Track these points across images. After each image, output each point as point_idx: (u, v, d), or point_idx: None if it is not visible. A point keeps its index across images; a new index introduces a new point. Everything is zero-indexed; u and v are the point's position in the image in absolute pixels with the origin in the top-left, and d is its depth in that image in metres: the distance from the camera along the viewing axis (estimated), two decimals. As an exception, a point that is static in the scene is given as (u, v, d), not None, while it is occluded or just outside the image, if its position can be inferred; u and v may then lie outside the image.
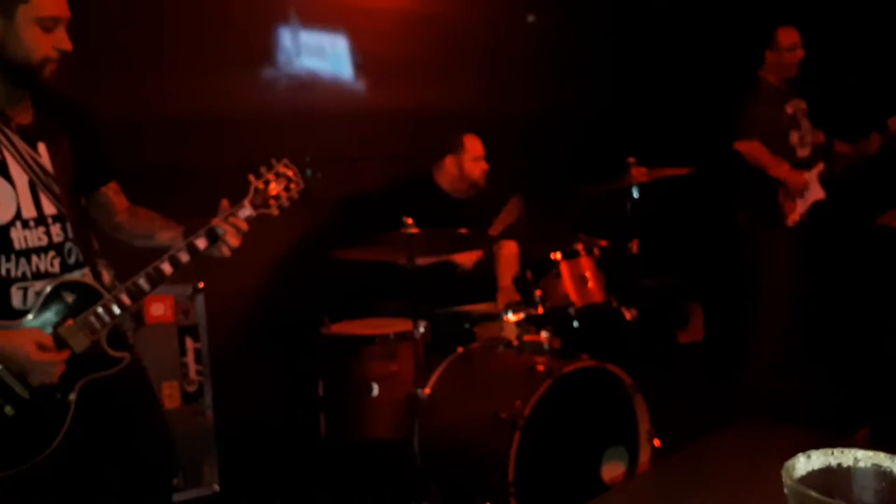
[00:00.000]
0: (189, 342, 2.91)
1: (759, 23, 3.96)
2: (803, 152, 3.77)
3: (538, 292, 2.99)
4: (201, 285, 2.91)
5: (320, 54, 3.69)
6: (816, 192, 3.70)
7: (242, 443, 3.20)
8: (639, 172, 3.33)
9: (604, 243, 3.21)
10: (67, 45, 1.71)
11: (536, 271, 3.08)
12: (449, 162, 3.43)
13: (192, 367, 2.91)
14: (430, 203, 3.33)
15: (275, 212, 1.91)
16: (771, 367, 3.75)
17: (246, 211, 1.87)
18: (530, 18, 4.53)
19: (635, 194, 3.42)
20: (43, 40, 1.67)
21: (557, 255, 3.07)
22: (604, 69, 4.72)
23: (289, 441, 3.34)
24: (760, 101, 3.76)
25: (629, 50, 4.77)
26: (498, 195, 3.60)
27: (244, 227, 1.86)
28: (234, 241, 1.85)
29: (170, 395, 2.85)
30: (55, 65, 1.71)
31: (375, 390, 2.82)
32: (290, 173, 1.93)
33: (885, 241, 3.83)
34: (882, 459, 0.84)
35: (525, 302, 3.03)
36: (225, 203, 1.88)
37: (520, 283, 3.13)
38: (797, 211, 3.69)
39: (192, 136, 3.20)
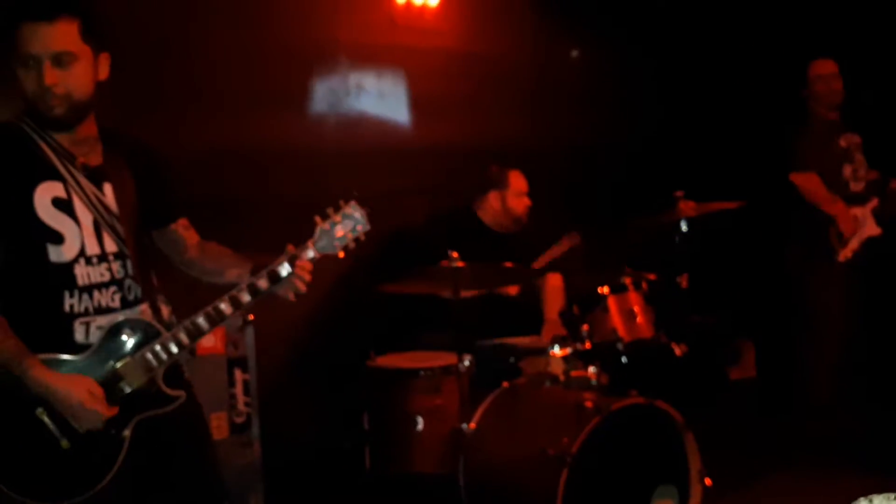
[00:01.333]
0: (238, 374, 2.95)
1: (804, 53, 3.92)
2: (857, 187, 3.69)
3: (585, 327, 2.96)
4: (251, 318, 2.96)
5: (368, 92, 3.78)
6: (870, 229, 3.61)
7: (288, 475, 3.22)
8: (687, 206, 3.30)
9: (652, 277, 3.17)
10: (104, 75, 1.76)
11: (584, 306, 3.05)
12: (493, 197, 3.44)
13: (241, 399, 2.95)
14: (473, 237, 3.34)
15: (340, 254, 1.87)
16: (824, 407, 3.62)
17: (310, 253, 1.84)
18: (574, 53, 4.56)
19: (684, 228, 3.38)
20: (30, 77, 1.68)
21: (605, 290, 3.04)
22: (650, 102, 4.70)
23: (334, 474, 3.34)
24: (813, 133, 3.70)
25: (675, 82, 4.75)
26: (542, 230, 3.59)
27: (308, 268, 1.84)
28: (301, 285, 1.84)
29: (218, 427, 2.88)
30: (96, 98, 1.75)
31: (420, 424, 2.80)
32: (357, 215, 1.88)
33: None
34: None
35: (572, 336, 3.00)
36: (290, 248, 1.85)
37: (566, 317, 3.10)
38: (849, 247, 3.60)
39: (244, 171, 3.29)
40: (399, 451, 2.87)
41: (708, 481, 2.59)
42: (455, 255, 2.72)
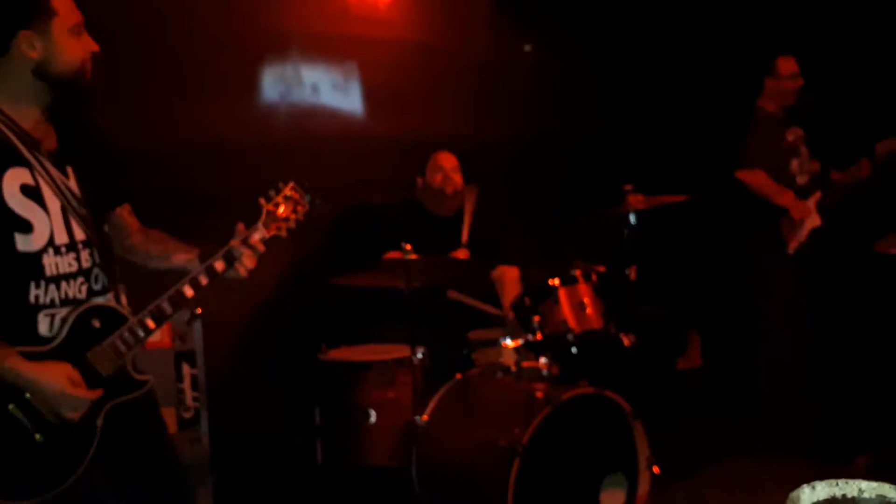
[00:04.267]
0: (186, 368, 2.90)
1: (755, 52, 4.01)
2: (802, 180, 3.80)
3: (537, 318, 2.99)
4: (199, 311, 2.90)
5: (320, 83, 3.74)
6: (814, 220, 3.72)
7: (238, 470, 3.17)
8: (636, 200, 3.36)
9: (602, 269, 3.21)
10: (95, 46, 1.77)
11: (535, 297, 3.08)
12: (420, 179, 3.50)
13: (189, 394, 2.89)
14: (418, 223, 3.37)
15: (283, 234, 1.95)
16: (772, 395, 3.74)
17: (260, 233, 1.91)
18: (527, 48, 4.58)
19: (632, 221, 3.44)
20: (78, 46, 1.72)
21: (556, 282, 3.07)
22: (601, 97, 4.76)
23: (285, 469, 3.31)
24: (760, 130, 3.79)
25: (627, 78, 4.82)
26: (491, 219, 3.61)
27: (261, 248, 1.91)
28: (250, 263, 1.89)
29: (165, 422, 2.82)
30: (91, 66, 1.76)
31: (373, 417, 2.80)
32: (296, 196, 1.97)
33: (884, 267, 3.84)
34: (887, 490, 0.84)
35: (524, 328, 3.03)
36: (240, 226, 1.91)
37: (518, 309, 3.13)
38: (797, 239, 3.71)
39: (193, 163, 3.23)
40: (351, 445, 2.86)
41: (656, 469, 2.65)
42: (408, 246, 2.72)
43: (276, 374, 3.49)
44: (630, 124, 4.75)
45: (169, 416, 2.84)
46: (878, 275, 4.01)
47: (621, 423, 2.65)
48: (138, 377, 1.82)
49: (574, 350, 3.07)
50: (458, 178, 3.47)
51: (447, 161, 3.48)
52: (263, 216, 1.91)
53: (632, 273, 3.40)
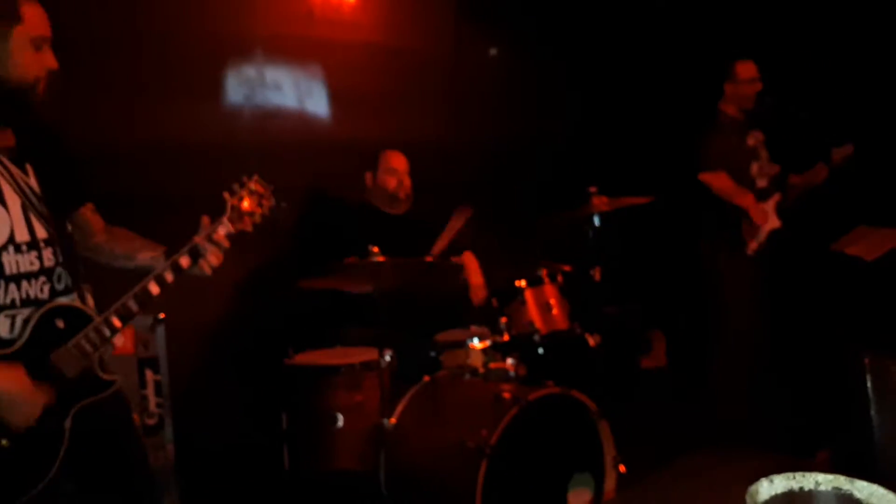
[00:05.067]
0: (149, 374, 2.85)
1: (718, 56, 4.08)
2: (762, 183, 3.88)
3: (503, 319, 3.01)
4: (162, 316, 2.87)
5: (285, 86, 3.71)
6: (773, 222, 3.80)
7: (204, 477, 3.13)
8: (600, 201, 3.39)
9: (567, 270, 3.25)
10: (55, 64, 1.73)
11: (502, 299, 3.10)
12: (368, 177, 3.50)
13: (153, 400, 2.85)
14: (371, 222, 3.39)
15: (248, 228, 1.94)
16: (735, 393, 3.81)
17: (225, 227, 1.89)
18: (492, 51, 4.61)
19: (597, 222, 3.47)
20: (36, 59, 1.69)
21: (522, 283, 3.09)
22: (565, 100, 4.80)
23: (251, 474, 3.28)
24: (722, 133, 3.86)
25: (592, 81, 4.87)
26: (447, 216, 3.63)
27: (226, 244, 1.89)
28: (215, 259, 1.87)
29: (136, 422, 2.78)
30: (45, 84, 1.73)
31: (340, 421, 2.78)
32: (261, 189, 1.97)
33: (839, 266, 3.94)
34: (842, 483, 0.86)
35: (491, 329, 3.04)
36: (205, 220, 1.90)
37: (486, 309, 3.14)
38: (756, 240, 3.78)
39: (157, 164, 3.19)
40: (318, 449, 2.83)
41: (622, 468, 2.68)
42: (375, 249, 2.72)
43: (241, 379, 3.45)
44: (595, 127, 4.81)
45: (132, 424, 2.80)
46: (833, 273, 4.12)
47: (587, 423, 2.68)
48: (105, 377, 1.79)
49: (541, 350, 3.10)
50: (408, 181, 3.48)
51: (400, 163, 3.48)
52: (228, 211, 1.90)
53: (597, 274, 3.44)
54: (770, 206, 3.80)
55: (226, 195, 1.92)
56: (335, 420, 2.78)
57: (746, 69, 3.86)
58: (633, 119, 4.82)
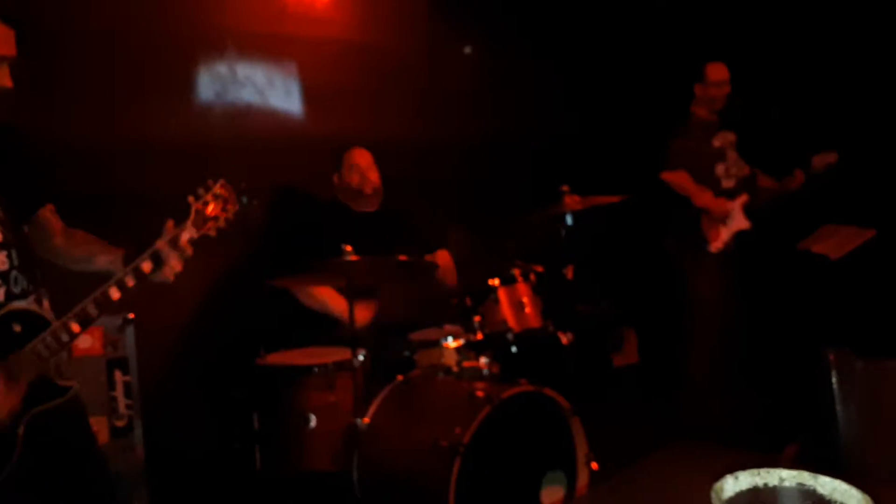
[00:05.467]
0: (118, 375, 2.82)
1: (693, 58, 4.14)
2: (728, 183, 3.93)
3: (477, 318, 3.01)
4: (131, 316, 2.83)
5: (257, 82, 3.68)
6: (740, 222, 3.86)
7: (175, 479, 3.10)
8: (572, 200, 3.41)
9: (540, 269, 3.26)
10: (9, 83, 1.70)
11: (475, 298, 3.10)
12: (335, 178, 3.49)
13: (122, 402, 2.82)
14: (341, 220, 3.38)
15: (212, 233, 1.91)
16: (704, 390, 3.86)
17: (189, 232, 1.86)
18: (467, 50, 4.61)
19: (569, 221, 3.49)
20: None
21: (496, 282, 3.10)
22: (540, 99, 4.82)
23: (223, 476, 3.25)
24: (688, 134, 3.92)
25: (563, 81, 4.90)
26: (424, 218, 3.62)
27: (189, 250, 1.86)
28: (177, 265, 1.84)
29: (97, 431, 2.73)
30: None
31: (313, 421, 2.76)
32: (226, 193, 1.93)
33: (807, 264, 4.01)
34: (805, 478, 0.88)
35: (464, 328, 3.05)
36: (170, 224, 1.86)
37: (459, 308, 3.15)
38: (721, 238, 3.84)
39: (127, 164, 3.14)
40: (291, 450, 2.82)
41: (594, 465, 2.70)
42: (349, 248, 2.71)
43: (212, 380, 3.42)
44: (570, 125, 4.84)
45: (101, 425, 2.76)
46: (800, 271, 4.19)
47: (560, 420, 2.69)
48: (62, 383, 1.75)
49: (514, 349, 3.11)
50: (374, 176, 3.46)
51: (362, 158, 3.45)
52: (192, 215, 1.87)
53: (569, 272, 3.46)
54: (736, 206, 3.85)
55: (190, 199, 1.89)
56: (308, 420, 2.76)
57: (717, 71, 3.91)
58: (608, 118, 4.86)
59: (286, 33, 3.75)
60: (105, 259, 1.88)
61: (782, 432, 3.46)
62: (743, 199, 3.87)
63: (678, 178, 3.83)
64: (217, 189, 1.92)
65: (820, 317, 4.23)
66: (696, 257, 3.89)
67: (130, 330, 2.83)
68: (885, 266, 4.52)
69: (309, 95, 3.83)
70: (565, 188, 3.44)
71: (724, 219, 3.80)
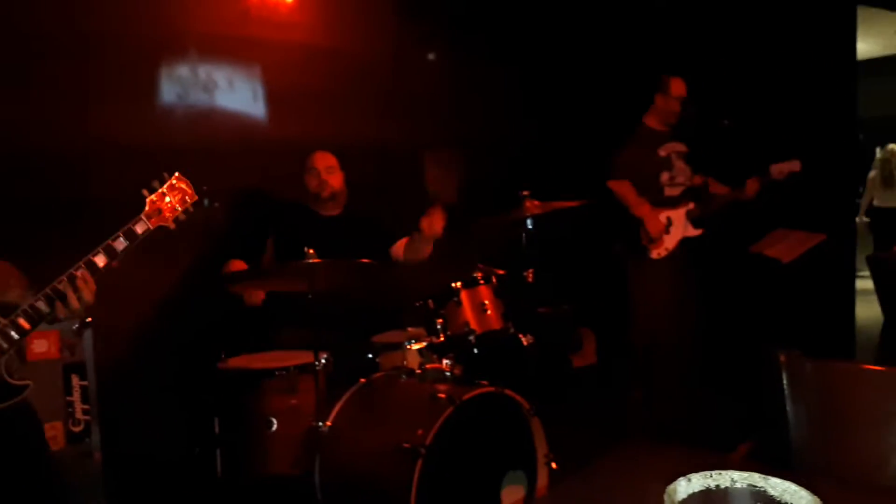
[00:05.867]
0: (75, 380, 2.77)
1: (649, 68, 4.23)
2: (672, 191, 4.06)
3: (440, 321, 3.03)
4: (89, 319, 2.78)
5: (219, 85, 3.65)
6: (685, 230, 3.97)
7: (133, 485, 3.06)
8: (532, 205, 3.46)
9: (501, 272, 3.29)
10: None
11: (438, 300, 3.12)
12: (303, 180, 3.49)
13: (79, 407, 2.77)
14: (305, 223, 3.38)
15: (172, 225, 1.92)
16: (660, 390, 3.95)
17: (143, 226, 1.86)
18: (430, 56, 4.63)
19: (529, 225, 3.54)
20: None
21: (458, 284, 3.12)
22: (504, 104, 4.86)
23: (183, 482, 3.21)
24: (636, 144, 4.04)
25: (527, 87, 4.95)
26: (387, 221, 3.63)
27: (90, 286, 1.81)
28: (85, 297, 1.80)
29: (53, 437, 2.69)
30: None
31: (275, 425, 2.75)
32: (183, 185, 1.94)
33: (760, 267, 4.12)
34: (756, 480, 0.90)
35: (427, 330, 3.07)
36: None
37: (422, 311, 3.16)
38: (662, 246, 3.96)
39: (85, 166, 3.08)
40: (252, 455, 2.80)
41: (554, 465, 2.74)
42: (311, 251, 2.70)
43: (173, 385, 3.37)
44: (531, 131, 4.89)
45: (57, 431, 2.71)
46: (752, 274, 4.31)
47: (520, 421, 2.73)
48: (14, 383, 1.72)
49: (476, 350, 3.13)
50: (333, 179, 3.45)
51: (321, 162, 3.45)
52: (147, 207, 1.88)
53: (529, 275, 3.50)
54: (680, 214, 3.96)
55: (144, 192, 1.90)
56: (269, 424, 2.75)
57: (679, 86, 4.02)
58: (568, 124, 4.92)
59: (250, 36, 3.72)
60: (13, 294, 1.83)
61: (737, 431, 3.55)
62: (688, 207, 3.98)
63: (621, 189, 3.97)
64: (173, 181, 1.93)
65: (772, 318, 4.35)
66: (638, 263, 4.02)
67: (88, 334, 2.78)
68: (835, 269, 4.67)
69: (273, 98, 3.81)
70: (526, 192, 3.48)
71: (658, 232, 3.91)
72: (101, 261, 1.81)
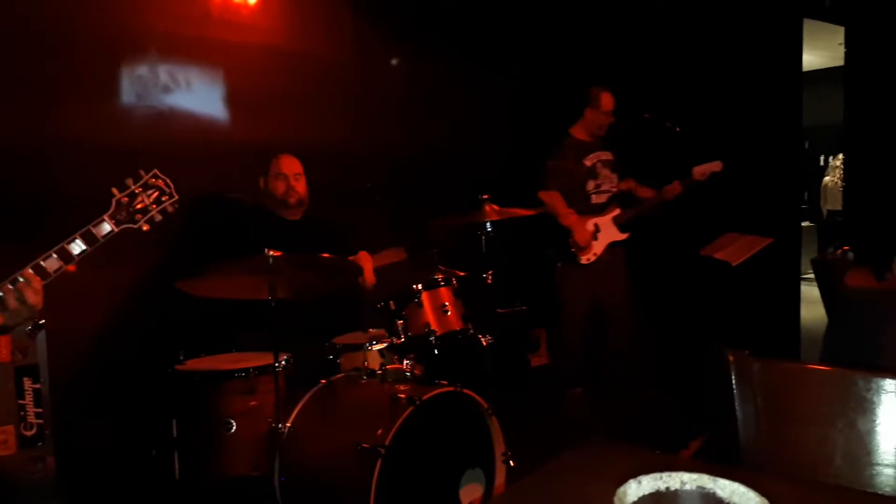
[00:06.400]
0: (27, 383, 2.71)
1: (584, 79, 4.32)
2: (598, 199, 4.22)
3: (400, 322, 3.05)
4: (42, 321, 2.73)
5: (180, 86, 3.60)
6: (612, 234, 4.13)
7: (88, 489, 3.01)
8: (491, 209, 3.52)
9: (461, 274, 3.33)
10: None
11: (399, 301, 3.14)
12: (261, 182, 3.48)
13: (31, 410, 2.71)
14: (265, 225, 3.37)
15: (144, 226, 1.81)
16: (608, 389, 4.07)
17: (106, 227, 1.76)
18: (394, 62, 4.64)
19: (489, 228, 3.59)
20: None
21: (419, 286, 3.15)
22: (465, 108, 4.88)
23: (140, 485, 3.17)
24: (562, 156, 4.19)
25: (490, 91, 4.99)
26: (347, 224, 3.64)
27: (36, 289, 1.72)
28: (33, 298, 1.73)
29: (5, 441, 2.63)
30: None
31: (234, 427, 2.74)
32: (162, 184, 1.83)
33: (709, 270, 4.24)
34: (705, 482, 0.93)
35: (388, 331, 3.08)
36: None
37: (384, 312, 3.18)
38: (591, 251, 4.14)
39: (40, 164, 3.02)
40: (211, 457, 2.77)
41: (512, 463, 2.78)
42: (274, 252, 2.69)
43: (129, 387, 3.33)
44: (490, 136, 4.94)
45: (8, 435, 2.65)
46: (703, 276, 4.43)
47: (478, 420, 2.76)
48: None
49: (436, 351, 3.16)
50: (300, 186, 3.45)
51: (289, 167, 3.43)
52: (112, 207, 1.77)
53: (488, 277, 3.55)
54: (607, 220, 4.11)
55: (114, 190, 1.79)
56: (229, 426, 2.74)
57: (609, 100, 4.14)
58: (524, 132, 4.99)
59: (211, 37, 3.68)
60: None
61: (687, 429, 3.65)
62: (614, 213, 4.13)
63: (550, 199, 4.11)
64: (150, 179, 1.81)
65: (721, 319, 4.48)
66: (567, 268, 4.19)
67: (42, 335, 2.73)
68: (782, 272, 4.82)
69: (234, 100, 3.77)
70: (485, 196, 3.53)
71: (586, 241, 4.09)
72: (52, 265, 1.71)
